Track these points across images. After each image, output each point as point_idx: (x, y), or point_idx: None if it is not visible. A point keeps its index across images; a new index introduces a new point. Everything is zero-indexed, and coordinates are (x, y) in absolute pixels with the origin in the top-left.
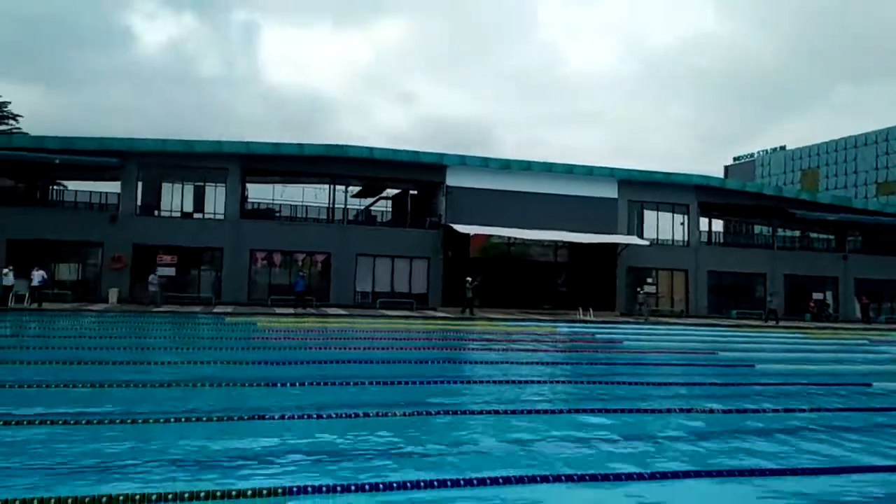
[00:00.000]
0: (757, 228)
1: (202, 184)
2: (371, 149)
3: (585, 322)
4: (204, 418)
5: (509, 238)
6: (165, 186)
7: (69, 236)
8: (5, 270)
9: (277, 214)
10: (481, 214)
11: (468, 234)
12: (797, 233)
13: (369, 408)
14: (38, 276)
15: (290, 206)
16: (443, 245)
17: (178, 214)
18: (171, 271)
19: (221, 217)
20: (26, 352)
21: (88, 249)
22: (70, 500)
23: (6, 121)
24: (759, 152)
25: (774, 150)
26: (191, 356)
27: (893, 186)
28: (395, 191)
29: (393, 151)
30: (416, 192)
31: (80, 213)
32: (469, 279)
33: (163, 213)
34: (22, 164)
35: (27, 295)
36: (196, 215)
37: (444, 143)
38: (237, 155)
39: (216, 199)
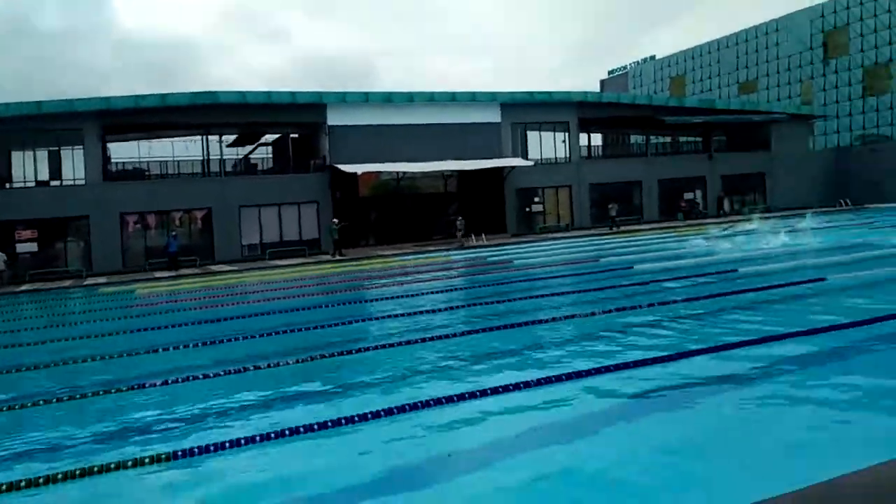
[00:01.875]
0: (633, 138)
1: (56, 148)
2: (244, 93)
3: (479, 247)
4: (86, 394)
5: (398, 173)
6: (16, 154)
7: None
8: None
9: (147, 173)
10: (367, 152)
11: (356, 174)
12: (668, 138)
13: (262, 360)
14: None
15: (161, 162)
16: (331, 187)
17: (33, 184)
18: (32, 246)
19: (83, 182)
20: None
21: None
22: None
23: None
24: (631, 64)
25: (645, 60)
26: (61, 333)
27: (753, 85)
28: (275, 136)
29: (267, 94)
30: (296, 135)
31: None
32: (335, 221)
33: (15, 185)
34: None
35: None
36: (53, 183)
37: (325, 82)
38: (93, 113)
39: (74, 164)
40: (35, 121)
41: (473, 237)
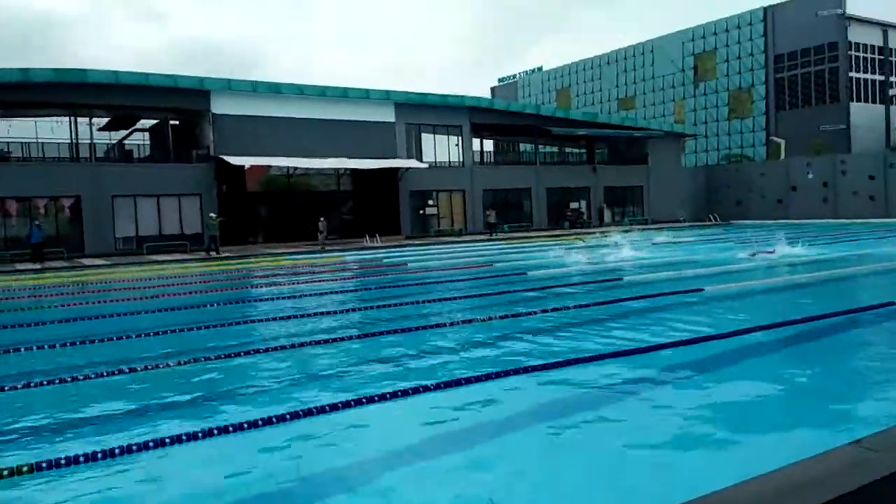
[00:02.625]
0: (522, 146)
1: None
2: (116, 72)
3: (373, 248)
4: None
5: (288, 168)
6: None
7: None
8: None
9: (7, 155)
10: (256, 144)
11: (243, 167)
12: (556, 148)
13: (137, 363)
14: None
15: (22, 144)
16: (216, 179)
17: None
18: None
19: None
20: None
21: None
22: None
23: None
24: (520, 73)
25: (533, 70)
26: None
27: (631, 102)
28: (153, 121)
29: (144, 76)
30: (177, 121)
31: None
32: (212, 215)
33: None
34: None
35: None
36: None
37: (208, 70)
38: None
39: None
40: None
41: (368, 238)
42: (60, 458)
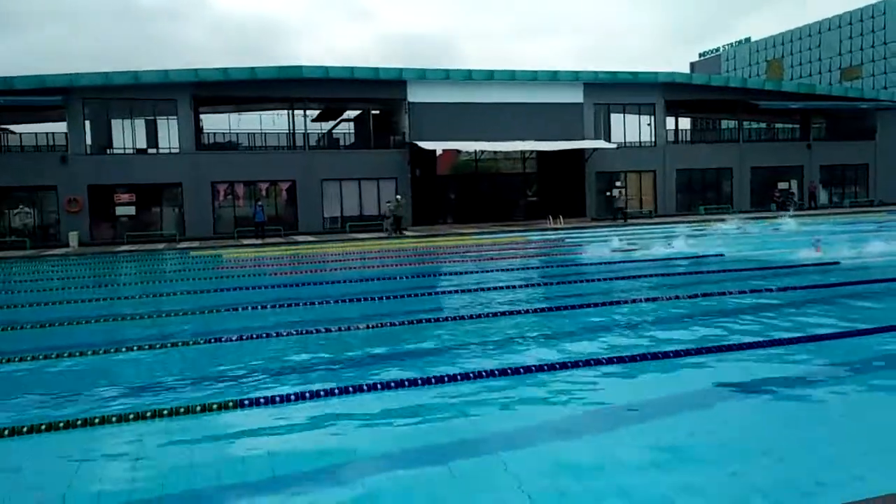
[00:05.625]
0: (724, 123)
1: (153, 117)
2: (327, 68)
3: (556, 229)
4: (179, 343)
5: (476, 152)
6: (115, 123)
7: (20, 181)
8: None
9: (236, 145)
10: (447, 129)
11: (434, 151)
12: (763, 124)
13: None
14: None
15: (249, 134)
16: (410, 164)
17: (132, 151)
18: (130, 210)
19: (177, 151)
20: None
21: (42, 194)
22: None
23: None
24: (724, 47)
25: (739, 42)
26: (158, 289)
27: (857, 71)
28: (356, 112)
29: (350, 70)
30: (377, 111)
31: (29, 156)
32: (398, 197)
33: (115, 151)
34: None
35: None
36: (150, 151)
37: (405, 62)
38: (186, 84)
39: (170, 133)
40: (133, 91)
41: (551, 219)
42: (276, 395)
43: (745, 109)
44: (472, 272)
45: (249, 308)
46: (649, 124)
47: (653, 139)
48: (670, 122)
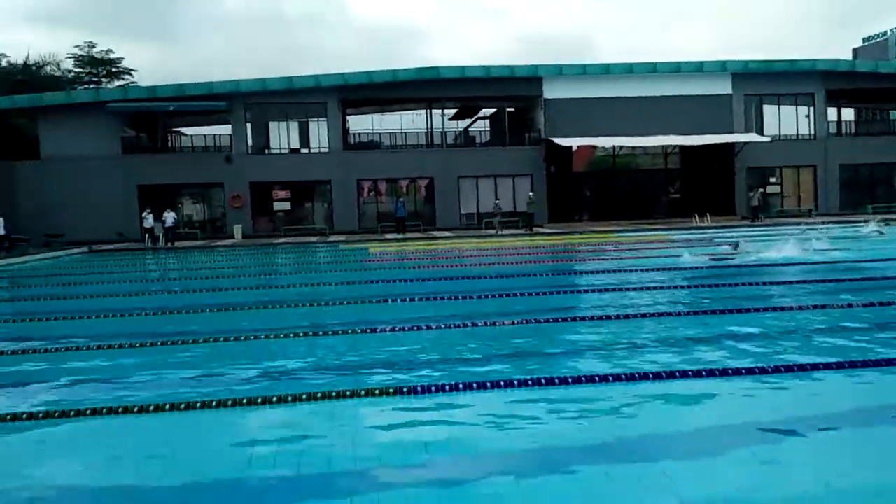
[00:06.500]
0: (893, 114)
1: (305, 119)
2: (463, 68)
3: (702, 228)
4: (330, 332)
5: (614, 147)
6: (272, 125)
7: (191, 179)
8: (145, 214)
9: (378, 144)
10: (583, 125)
11: (570, 148)
12: None
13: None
14: (169, 217)
15: (390, 134)
16: (545, 160)
17: (287, 151)
18: (285, 205)
19: (326, 150)
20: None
21: (210, 190)
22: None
23: (122, 76)
24: (892, 30)
25: None
26: (317, 279)
27: None
28: (492, 109)
29: (486, 69)
30: (512, 108)
31: (199, 156)
32: (530, 194)
33: (272, 151)
34: (140, 115)
35: (161, 236)
36: (303, 150)
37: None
38: (334, 87)
39: (320, 134)
40: (287, 95)
41: (697, 217)
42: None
43: None
44: (615, 270)
45: (399, 301)
46: (808, 116)
47: (812, 132)
48: (832, 114)
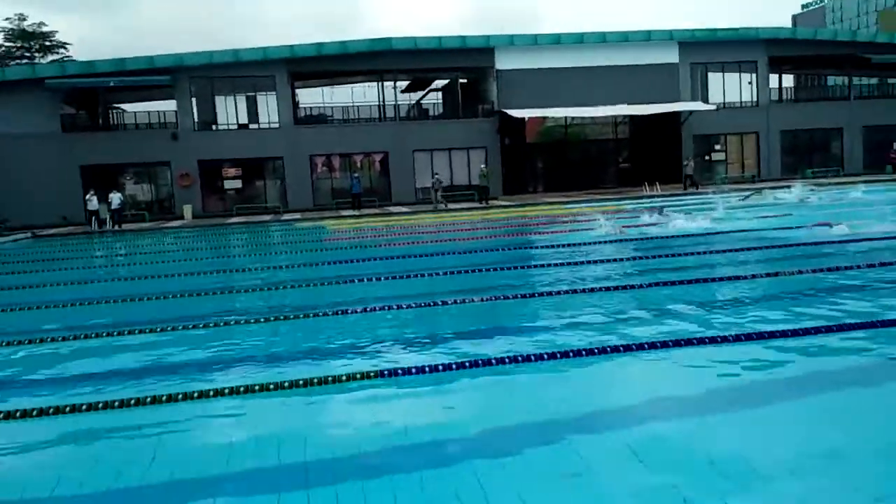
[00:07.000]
0: (830, 80)
1: (253, 93)
2: (415, 39)
3: (653, 197)
4: (291, 316)
5: (566, 118)
6: (219, 100)
7: (136, 158)
8: (88, 196)
9: (330, 118)
10: (536, 96)
11: (524, 119)
12: (875, 80)
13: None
14: (115, 198)
15: (342, 108)
16: (499, 132)
17: (235, 126)
18: (236, 183)
19: (276, 126)
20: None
21: (156, 169)
22: (173, 396)
23: (56, 50)
24: None
25: None
26: (272, 261)
27: None
28: (444, 81)
29: (438, 39)
30: (465, 80)
31: (144, 133)
32: (482, 167)
33: (220, 127)
34: (78, 91)
35: (108, 218)
36: (252, 126)
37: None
38: (282, 60)
39: (269, 108)
40: (234, 68)
41: (647, 186)
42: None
43: (854, 65)
44: (569, 245)
45: (357, 280)
46: (750, 83)
47: (755, 99)
48: (773, 81)
